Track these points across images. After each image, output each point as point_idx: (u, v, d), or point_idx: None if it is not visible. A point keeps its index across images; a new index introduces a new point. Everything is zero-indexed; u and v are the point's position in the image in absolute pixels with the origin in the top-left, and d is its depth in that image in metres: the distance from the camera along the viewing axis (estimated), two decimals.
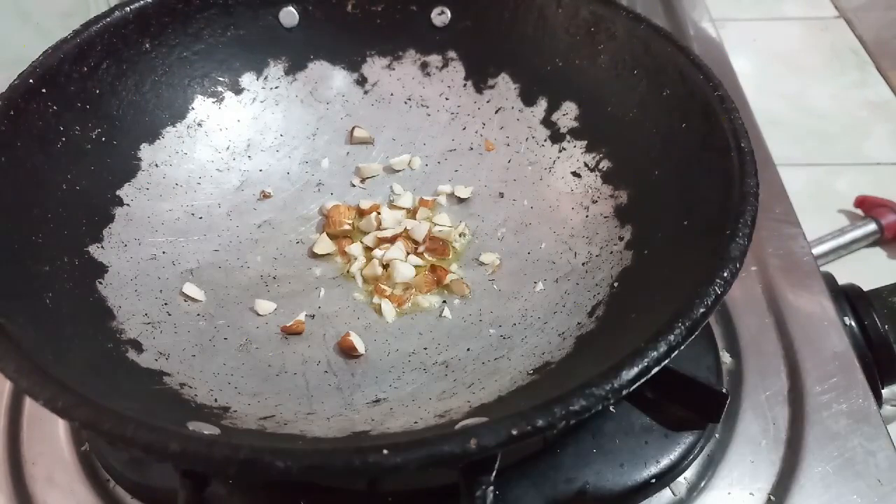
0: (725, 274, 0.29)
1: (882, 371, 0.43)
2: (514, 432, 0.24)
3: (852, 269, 0.71)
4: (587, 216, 0.43)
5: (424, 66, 0.50)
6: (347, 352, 0.39)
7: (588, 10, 0.44)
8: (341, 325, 0.40)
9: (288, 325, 0.40)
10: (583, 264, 0.41)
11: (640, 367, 0.26)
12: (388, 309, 0.41)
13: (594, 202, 0.43)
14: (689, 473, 0.37)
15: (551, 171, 0.46)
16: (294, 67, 0.50)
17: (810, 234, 0.51)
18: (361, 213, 0.46)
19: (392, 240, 0.44)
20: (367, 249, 0.45)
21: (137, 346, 0.36)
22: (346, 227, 0.46)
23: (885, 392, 0.43)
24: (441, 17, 0.49)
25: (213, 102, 0.48)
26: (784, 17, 1.03)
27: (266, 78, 0.49)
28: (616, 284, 0.38)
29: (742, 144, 0.34)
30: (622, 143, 0.43)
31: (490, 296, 0.42)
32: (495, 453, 0.26)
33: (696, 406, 0.36)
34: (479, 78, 0.49)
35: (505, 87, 0.49)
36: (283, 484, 0.35)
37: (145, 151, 0.44)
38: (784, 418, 0.39)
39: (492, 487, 0.26)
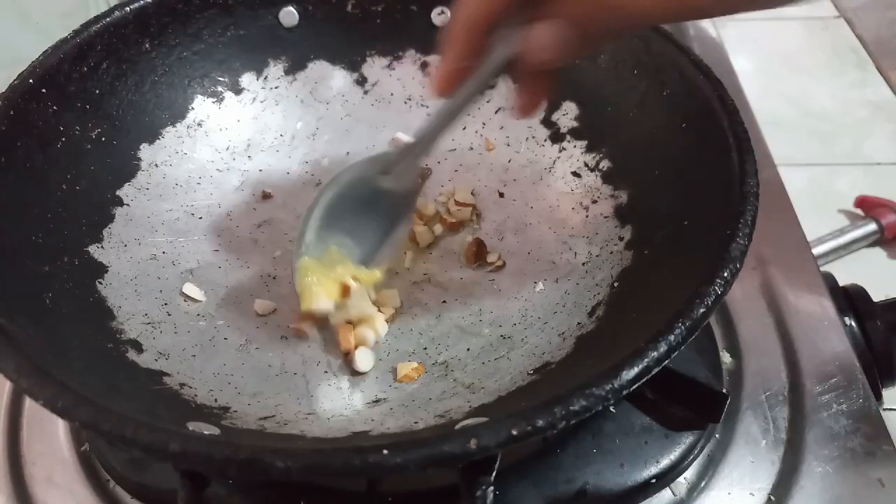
0: (725, 274, 0.29)
1: (882, 371, 0.43)
2: (514, 432, 0.24)
3: (852, 269, 0.71)
4: (587, 216, 0.43)
5: (424, 66, 0.50)
6: (349, 364, 0.38)
7: None
8: None
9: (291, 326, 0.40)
10: (583, 264, 0.41)
11: (640, 367, 0.26)
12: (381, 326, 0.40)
13: (594, 202, 0.43)
14: (690, 473, 0.37)
15: (551, 171, 0.46)
16: (294, 67, 0.50)
17: (810, 234, 0.51)
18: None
19: None
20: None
21: (137, 346, 0.36)
22: None
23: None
24: (441, 16, 0.49)
25: (213, 102, 0.48)
26: (784, 17, 1.03)
27: (266, 78, 0.49)
28: (616, 284, 0.38)
29: (742, 144, 0.34)
30: (622, 143, 0.43)
31: (490, 296, 0.42)
32: (495, 453, 0.26)
33: (696, 406, 0.36)
34: None
35: (505, 87, 0.49)
36: (283, 484, 0.35)
37: (145, 151, 0.44)
38: (784, 418, 0.39)
39: (492, 487, 0.26)
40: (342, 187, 0.39)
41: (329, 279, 0.37)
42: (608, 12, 0.28)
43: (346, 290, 0.37)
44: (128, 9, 0.43)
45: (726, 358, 0.42)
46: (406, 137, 0.49)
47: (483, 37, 0.31)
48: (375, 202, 0.39)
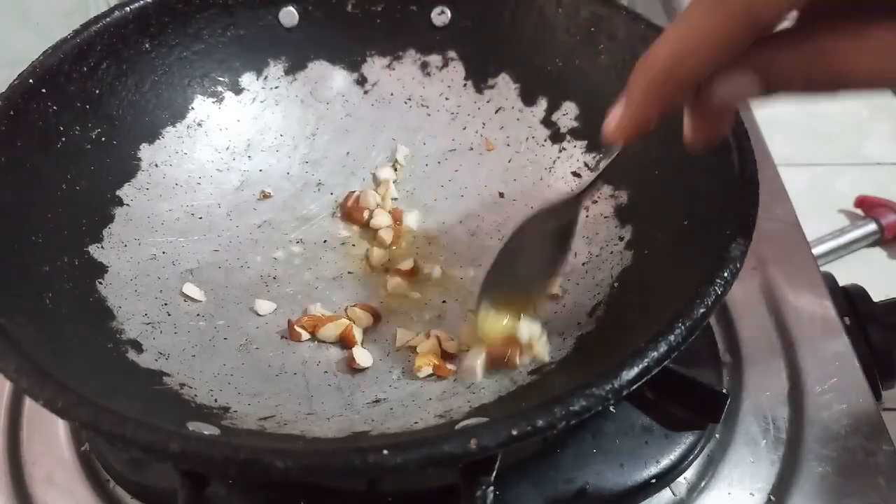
0: (725, 274, 0.29)
1: (882, 371, 0.43)
2: (514, 432, 0.24)
3: (852, 269, 0.71)
4: (587, 216, 0.43)
5: (424, 66, 0.50)
6: (349, 364, 0.38)
7: (588, 10, 0.44)
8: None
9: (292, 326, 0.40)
10: (583, 264, 0.41)
11: (640, 367, 0.26)
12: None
13: (594, 202, 0.43)
14: (690, 473, 0.37)
15: (551, 171, 0.46)
16: (294, 67, 0.50)
17: (810, 234, 0.51)
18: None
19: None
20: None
21: (137, 346, 0.36)
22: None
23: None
24: (441, 17, 0.49)
25: (213, 102, 0.48)
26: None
27: (266, 78, 0.49)
28: (616, 284, 0.38)
29: (742, 144, 0.34)
30: None
31: None
32: (495, 453, 0.26)
33: (696, 406, 0.36)
34: (479, 78, 0.49)
35: (505, 87, 0.49)
36: (283, 484, 0.35)
37: (145, 151, 0.44)
38: (784, 418, 0.39)
39: (492, 488, 0.26)
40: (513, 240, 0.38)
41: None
42: (828, 76, 0.23)
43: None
44: (128, 9, 0.43)
45: (726, 358, 0.42)
46: (404, 150, 0.49)
47: (676, 96, 0.25)
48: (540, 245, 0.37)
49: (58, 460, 0.39)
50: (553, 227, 0.36)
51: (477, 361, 0.36)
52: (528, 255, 0.37)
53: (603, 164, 0.44)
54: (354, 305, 0.41)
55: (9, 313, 0.30)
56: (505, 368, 0.36)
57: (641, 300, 0.35)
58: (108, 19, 0.42)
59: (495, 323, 0.37)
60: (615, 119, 0.29)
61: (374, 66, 0.50)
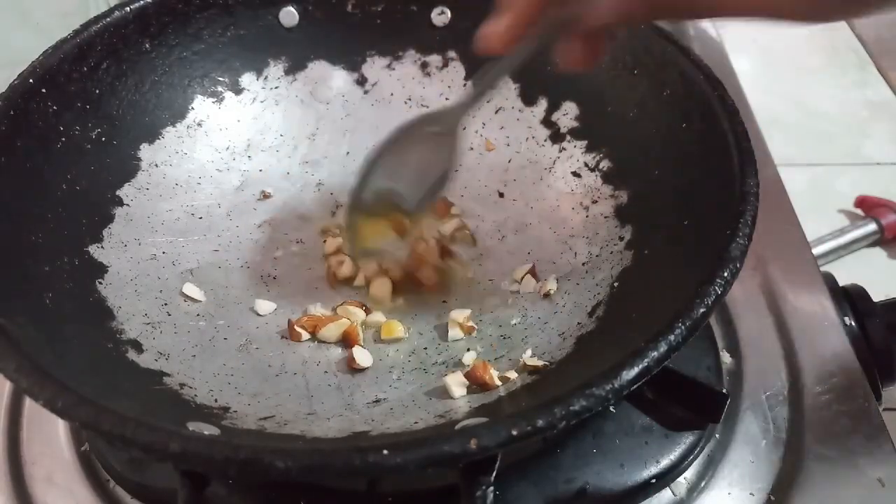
0: (725, 274, 0.29)
1: (882, 371, 0.43)
2: (515, 432, 0.24)
3: (852, 269, 0.71)
4: (587, 216, 0.43)
5: (424, 66, 0.50)
6: (349, 364, 0.38)
7: None
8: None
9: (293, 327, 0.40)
10: (583, 264, 0.41)
11: (640, 367, 0.26)
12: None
13: (594, 202, 0.43)
14: (690, 473, 0.37)
15: (551, 171, 0.46)
16: (294, 67, 0.50)
17: (810, 234, 0.51)
18: None
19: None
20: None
21: (137, 346, 0.36)
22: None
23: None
24: (441, 17, 0.49)
25: (213, 102, 0.48)
26: None
27: (266, 78, 0.49)
28: (616, 284, 0.38)
29: (742, 144, 0.34)
30: (622, 143, 0.43)
31: (490, 296, 0.42)
32: (495, 453, 0.26)
33: (696, 406, 0.36)
34: None
35: (505, 87, 0.49)
36: (283, 484, 0.35)
37: (145, 151, 0.44)
38: (784, 418, 0.39)
39: (492, 488, 0.26)
40: (391, 139, 0.40)
41: (380, 222, 0.42)
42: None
43: (400, 228, 0.41)
44: (128, 9, 0.43)
45: (726, 358, 0.42)
46: None
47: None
48: (422, 149, 0.40)
49: (58, 460, 0.39)
50: (432, 138, 0.39)
51: (455, 381, 0.36)
52: (406, 163, 0.40)
53: (605, 165, 0.44)
54: (346, 304, 0.41)
55: (9, 313, 0.30)
56: (485, 390, 0.36)
57: (641, 300, 0.35)
58: (108, 19, 0.42)
59: (372, 229, 0.41)
60: (498, 29, 0.33)
61: (374, 66, 0.50)
